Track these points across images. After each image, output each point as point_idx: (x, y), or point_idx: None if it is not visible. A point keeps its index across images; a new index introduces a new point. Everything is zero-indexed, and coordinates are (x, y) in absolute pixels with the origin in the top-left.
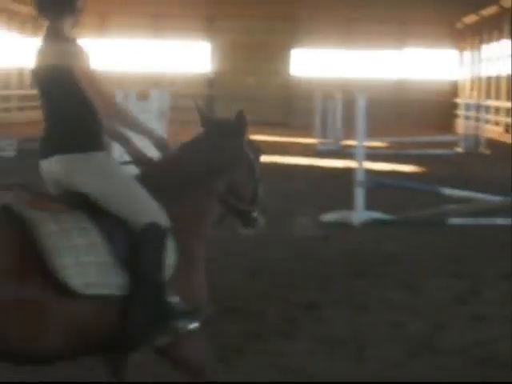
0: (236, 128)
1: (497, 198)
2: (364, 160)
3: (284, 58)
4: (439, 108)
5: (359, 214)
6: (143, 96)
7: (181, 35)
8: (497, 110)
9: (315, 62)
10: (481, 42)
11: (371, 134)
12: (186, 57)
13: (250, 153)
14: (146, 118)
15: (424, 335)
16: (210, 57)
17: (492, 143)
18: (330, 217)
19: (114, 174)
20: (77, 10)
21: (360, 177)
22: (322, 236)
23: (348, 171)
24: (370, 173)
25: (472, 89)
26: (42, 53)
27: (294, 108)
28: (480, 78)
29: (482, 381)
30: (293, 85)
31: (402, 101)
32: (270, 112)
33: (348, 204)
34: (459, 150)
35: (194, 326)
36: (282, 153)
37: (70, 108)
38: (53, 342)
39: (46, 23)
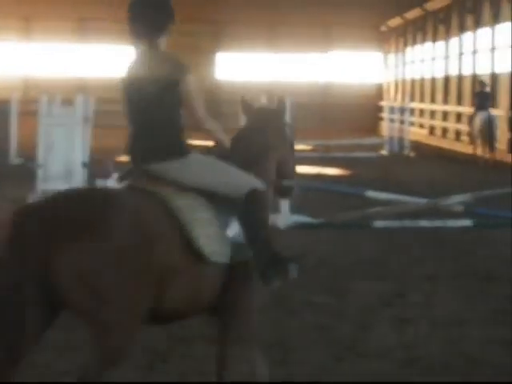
0: (277, 112)
1: (421, 201)
2: None
3: (209, 62)
4: (364, 111)
5: (285, 217)
6: (68, 101)
7: (106, 39)
8: (421, 113)
9: (241, 66)
10: (405, 44)
11: (297, 137)
12: (110, 61)
13: (289, 133)
14: (71, 122)
15: (350, 338)
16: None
17: (417, 145)
18: None
19: (211, 165)
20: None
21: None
22: None
23: None
24: (296, 176)
25: (396, 91)
26: (144, 66)
27: (220, 112)
28: (404, 81)
29: (407, 381)
30: (218, 89)
31: (328, 104)
32: None
33: (274, 207)
34: (384, 152)
35: (296, 270)
36: None
37: (173, 118)
38: (189, 302)
39: (142, 41)
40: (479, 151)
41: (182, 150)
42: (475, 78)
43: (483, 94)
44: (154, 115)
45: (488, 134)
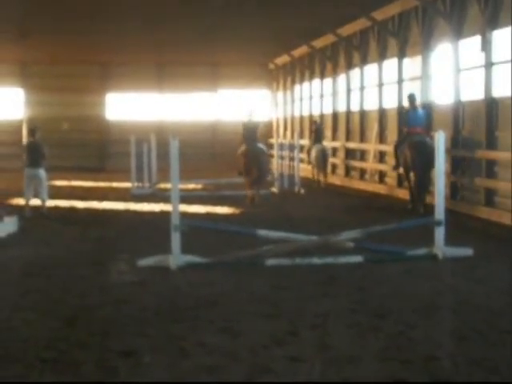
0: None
1: (312, 238)
2: (179, 203)
3: (99, 103)
4: None
5: (176, 257)
6: None
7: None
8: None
9: (130, 106)
10: (293, 81)
11: (187, 175)
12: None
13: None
14: None
15: (243, 379)
16: (23, 103)
17: (306, 182)
18: (146, 261)
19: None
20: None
21: (175, 220)
22: (138, 281)
23: (164, 214)
24: (186, 216)
25: (286, 128)
26: (249, 122)
27: (110, 152)
28: (293, 118)
29: None
30: (108, 129)
31: (218, 142)
32: (85, 157)
33: (165, 248)
34: (274, 190)
35: None
36: (98, 198)
37: (257, 134)
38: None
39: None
40: (315, 175)
41: (259, 140)
42: (363, 114)
43: (319, 130)
44: (255, 132)
45: (322, 162)
